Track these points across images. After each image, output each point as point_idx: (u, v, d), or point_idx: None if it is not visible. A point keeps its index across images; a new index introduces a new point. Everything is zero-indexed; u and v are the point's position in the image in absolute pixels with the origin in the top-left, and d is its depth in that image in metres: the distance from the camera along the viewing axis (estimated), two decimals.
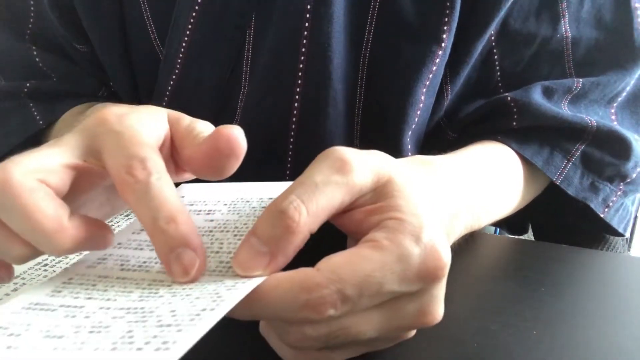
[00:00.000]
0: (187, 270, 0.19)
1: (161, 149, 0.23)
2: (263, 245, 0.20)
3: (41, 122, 0.43)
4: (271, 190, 0.26)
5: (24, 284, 0.25)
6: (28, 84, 0.43)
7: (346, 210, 0.22)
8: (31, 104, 0.43)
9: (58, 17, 0.41)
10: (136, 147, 0.20)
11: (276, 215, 0.20)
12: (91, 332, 0.17)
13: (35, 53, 0.43)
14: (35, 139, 0.43)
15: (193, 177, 0.25)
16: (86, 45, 0.43)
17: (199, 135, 0.23)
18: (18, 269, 0.24)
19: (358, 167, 0.21)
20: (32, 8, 0.43)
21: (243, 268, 0.20)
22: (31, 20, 0.43)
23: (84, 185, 0.22)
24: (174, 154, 0.24)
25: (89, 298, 0.19)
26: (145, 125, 0.22)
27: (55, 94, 0.43)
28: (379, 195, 0.22)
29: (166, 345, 0.15)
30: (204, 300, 0.18)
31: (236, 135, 0.22)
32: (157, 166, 0.20)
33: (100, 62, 0.43)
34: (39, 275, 0.26)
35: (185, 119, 0.23)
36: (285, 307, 0.19)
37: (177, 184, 0.27)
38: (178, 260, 0.19)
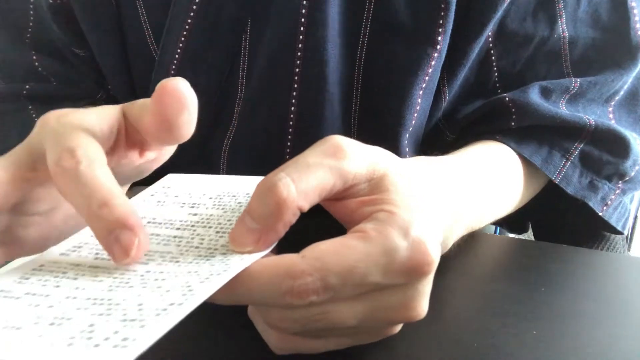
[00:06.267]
0: (126, 250, 0.19)
1: (117, 139, 0.23)
2: (253, 222, 0.20)
3: None
4: None
5: None
6: (27, 86, 0.43)
7: (341, 199, 0.22)
8: (30, 106, 0.43)
9: (57, 21, 0.41)
10: (67, 139, 0.20)
11: (265, 191, 0.20)
12: (52, 323, 0.16)
13: (34, 58, 0.44)
14: None
15: (159, 158, 0.25)
16: (85, 49, 0.43)
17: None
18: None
19: (352, 154, 0.21)
20: (31, 12, 0.43)
21: (236, 244, 0.20)
22: (30, 24, 0.43)
23: (46, 193, 0.22)
24: (136, 137, 0.23)
25: (57, 286, 0.19)
26: (85, 119, 0.21)
27: (55, 97, 0.43)
28: (374, 187, 0.22)
29: (125, 343, 0.15)
30: (174, 293, 0.18)
31: (178, 86, 0.21)
32: (88, 153, 0.20)
33: (98, 67, 0.43)
34: None
35: (139, 101, 0.23)
36: (268, 293, 0.19)
37: (161, 172, 0.27)
38: (117, 241, 0.19)
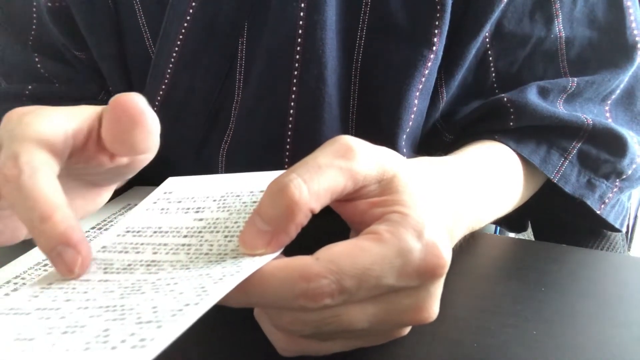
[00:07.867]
0: (70, 268, 0.20)
1: (88, 140, 0.22)
2: (265, 224, 0.20)
3: None
4: (263, 181, 0.25)
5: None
6: (30, 87, 0.43)
7: (350, 200, 0.22)
8: None
9: (56, 24, 0.42)
10: (15, 144, 0.20)
11: (276, 193, 0.20)
12: (65, 332, 0.16)
13: (37, 60, 0.44)
14: None
15: (135, 164, 0.24)
16: (85, 52, 0.43)
17: None
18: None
19: (363, 155, 0.21)
20: (34, 15, 0.43)
21: (246, 246, 0.20)
22: (33, 27, 0.43)
23: None
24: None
25: (68, 300, 0.19)
26: (46, 119, 0.21)
27: (57, 98, 0.44)
28: (385, 188, 0.22)
29: (143, 343, 0.15)
30: (188, 294, 0.18)
31: (132, 102, 0.20)
32: (32, 162, 0.19)
33: (99, 68, 0.43)
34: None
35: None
36: (282, 295, 0.19)
37: (150, 177, 0.26)
38: (59, 258, 0.19)
